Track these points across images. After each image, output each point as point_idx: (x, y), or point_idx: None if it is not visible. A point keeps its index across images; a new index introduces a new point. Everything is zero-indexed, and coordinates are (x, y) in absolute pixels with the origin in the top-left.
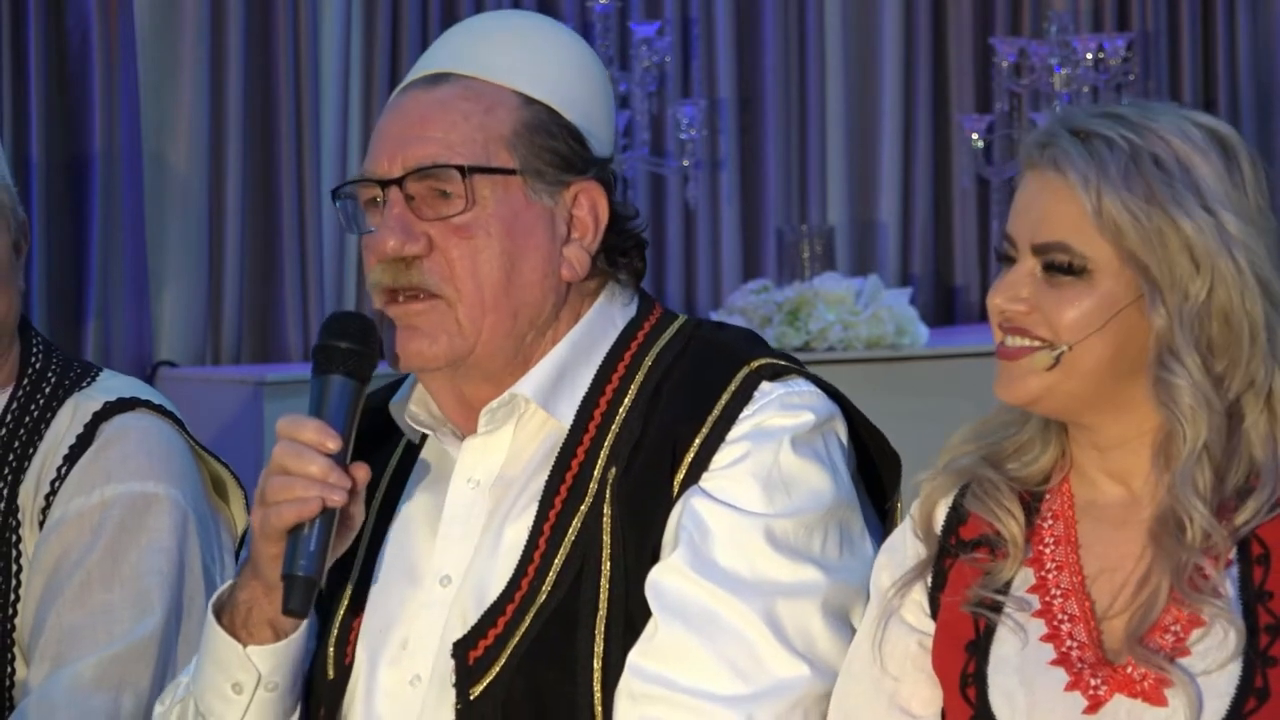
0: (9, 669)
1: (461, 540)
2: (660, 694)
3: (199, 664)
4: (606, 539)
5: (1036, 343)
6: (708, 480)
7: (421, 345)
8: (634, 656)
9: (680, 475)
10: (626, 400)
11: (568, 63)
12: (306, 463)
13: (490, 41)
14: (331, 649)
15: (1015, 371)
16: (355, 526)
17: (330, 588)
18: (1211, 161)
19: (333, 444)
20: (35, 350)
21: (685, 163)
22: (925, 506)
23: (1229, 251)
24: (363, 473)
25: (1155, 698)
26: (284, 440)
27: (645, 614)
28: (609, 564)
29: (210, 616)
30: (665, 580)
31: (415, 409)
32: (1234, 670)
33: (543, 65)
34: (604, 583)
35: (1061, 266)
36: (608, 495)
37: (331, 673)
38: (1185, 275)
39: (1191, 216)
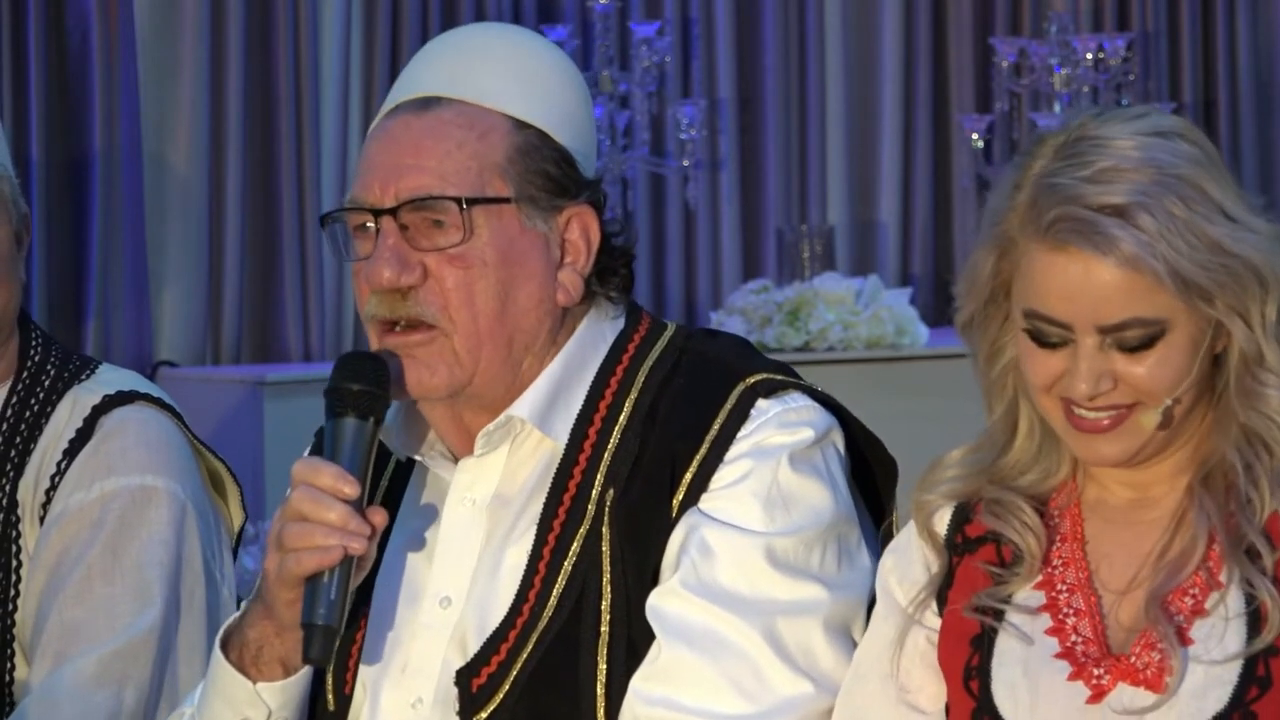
0: (9, 665)
1: (459, 560)
2: (665, 715)
3: (205, 698)
4: (606, 563)
5: (1121, 408)
6: (707, 500)
7: (421, 375)
8: (637, 680)
9: (679, 496)
10: (621, 419)
11: (555, 84)
12: (325, 509)
13: (479, 63)
14: (330, 677)
15: (1114, 436)
16: (368, 568)
17: None
18: (1204, 166)
19: (350, 489)
20: (34, 343)
21: (685, 163)
22: (929, 525)
23: (1267, 247)
24: (380, 517)
25: (1157, 686)
26: (301, 486)
27: (647, 636)
28: (609, 587)
29: (218, 652)
30: (666, 604)
31: (404, 433)
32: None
33: (532, 87)
34: (605, 606)
35: (1141, 341)
36: (606, 517)
37: (332, 703)
38: (1252, 286)
39: (1233, 236)
